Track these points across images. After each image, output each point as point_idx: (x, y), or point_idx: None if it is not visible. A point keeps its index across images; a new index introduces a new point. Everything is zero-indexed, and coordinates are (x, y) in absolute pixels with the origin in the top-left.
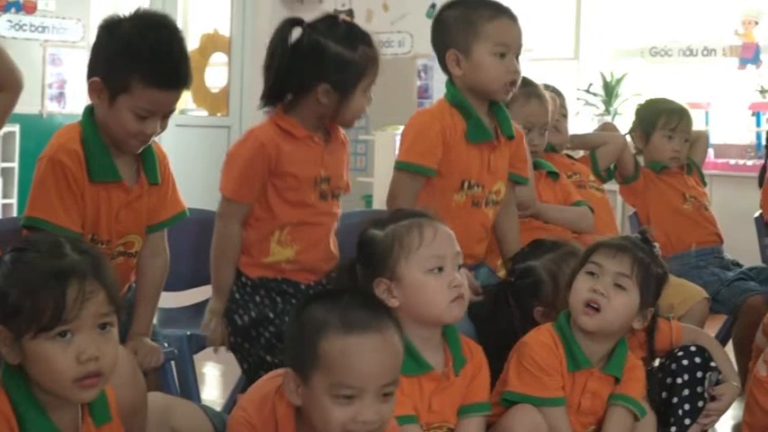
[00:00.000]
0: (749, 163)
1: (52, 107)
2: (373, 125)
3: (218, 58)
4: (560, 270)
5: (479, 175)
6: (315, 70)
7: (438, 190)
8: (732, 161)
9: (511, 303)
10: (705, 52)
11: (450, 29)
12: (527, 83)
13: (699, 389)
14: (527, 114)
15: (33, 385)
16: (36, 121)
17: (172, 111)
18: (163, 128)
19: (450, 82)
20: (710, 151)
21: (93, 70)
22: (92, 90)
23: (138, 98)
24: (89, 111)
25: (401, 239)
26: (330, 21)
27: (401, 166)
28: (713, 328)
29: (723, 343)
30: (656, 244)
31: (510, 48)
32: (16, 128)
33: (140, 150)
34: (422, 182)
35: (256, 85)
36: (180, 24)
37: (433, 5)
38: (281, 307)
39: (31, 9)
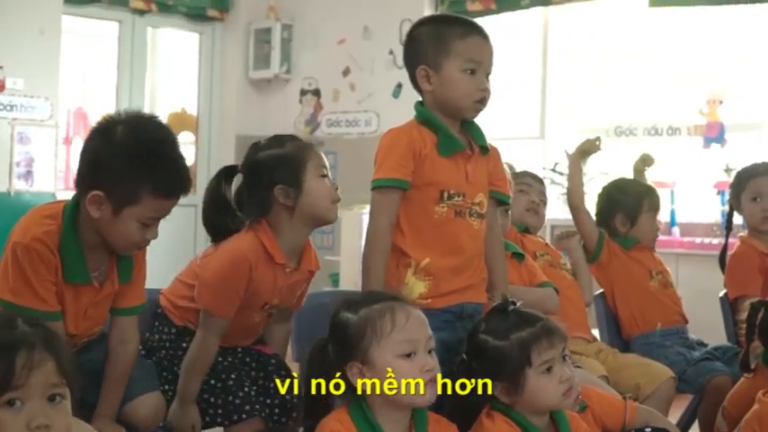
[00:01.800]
0: (715, 241)
1: (20, 185)
2: (340, 204)
3: (186, 137)
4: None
5: (458, 184)
6: (263, 180)
7: (418, 204)
8: (698, 240)
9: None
10: (670, 131)
11: (421, 45)
12: None
13: None
14: None
15: None
16: (3, 199)
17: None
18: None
19: (419, 102)
20: (676, 230)
21: (92, 182)
22: (92, 203)
23: (145, 208)
24: (72, 208)
25: (373, 324)
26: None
27: (375, 185)
28: (679, 407)
29: (689, 423)
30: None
31: (480, 65)
32: None
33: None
34: (398, 196)
35: (223, 163)
36: (147, 103)
37: (400, 85)
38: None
39: None
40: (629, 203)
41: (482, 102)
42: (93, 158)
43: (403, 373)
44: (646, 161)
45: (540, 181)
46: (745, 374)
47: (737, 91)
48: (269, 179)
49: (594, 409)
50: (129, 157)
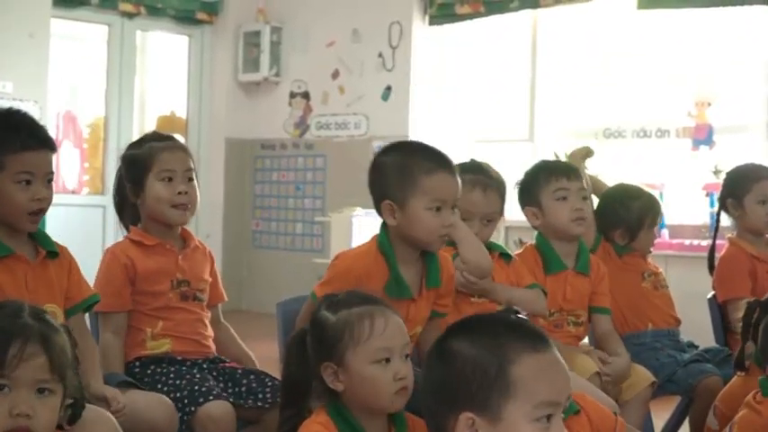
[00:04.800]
0: (703, 243)
1: None
2: (330, 207)
3: None
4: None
5: None
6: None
7: None
8: (687, 242)
9: None
10: (659, 133)
11: (387, 178)
12: (478, 170)
13: None
14: (467, 203)
15: None
16: None
17: (51, 173)
18: (49, 194)
19: (384, 227)
20: (665, 232)
21: None
22: None
23: (12, 166)
24: None
25: (351, 329)
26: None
27: (312, 296)
28: (668, 409)
29: (678, 424)
30: None
31: (446, 203)
32: None
33: (35, 230)
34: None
35: (214, 166)
36: (137, 106)
37: (389, 87)
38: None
39: None
40: (631, 220)
41: (447, 235)
42: None
43: (376, 380)
44: (587, 154)
45: (574, 172)
46: (739, 373)
47: (726, 93)
48: (125, 178)
49: (591, 415)
50: None
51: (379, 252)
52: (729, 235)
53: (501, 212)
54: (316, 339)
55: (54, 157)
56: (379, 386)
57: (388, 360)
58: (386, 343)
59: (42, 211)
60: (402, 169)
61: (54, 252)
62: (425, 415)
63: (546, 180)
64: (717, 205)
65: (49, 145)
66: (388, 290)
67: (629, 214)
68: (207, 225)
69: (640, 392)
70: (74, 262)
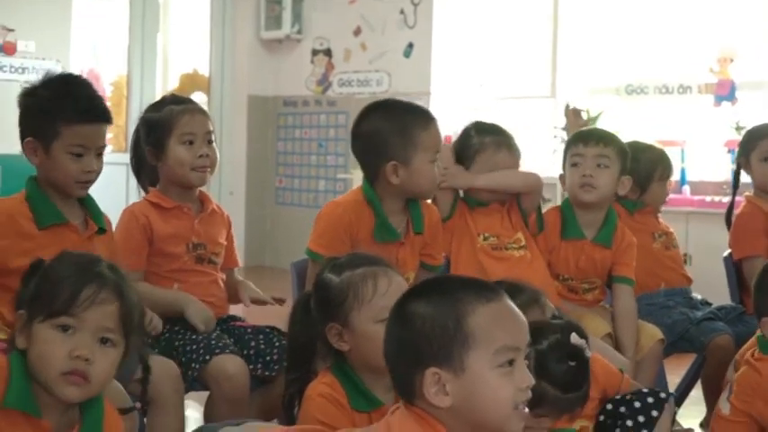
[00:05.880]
0: (725, 200)
1: None
2: (352, 164)
3: (198, 98)
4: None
5: None
6: (141, 142)
7: None
8: (708, 198)
9: None
10: (681, 90)
11: (387, 141)
12: (499, 131)
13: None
14: (496, 163)
15: (31, 377)
16: (17, 161)
17: (103, 146)
18: (99, 166)
19: (367, 180)
20: (686, 188)
21: (23, 132)
22: (28, 151)
23: (68, 137)
24: (32, 179)
25: (355, 289)
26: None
27: (309, 254)
28: (683, 367)
29: (693, 382)
30: None
31: (440, 151)
32: None
33: (84, 195)
34: None
35: (237, 123)
36: (159, 64)
37: (411, 45)
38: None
39: (11, 50)
40: (641, 172)
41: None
42: (21, 115)
43: (380, 339)
44: (577, 116)
45: (595, 138)
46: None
47: (748, 49)
48: (144, 141)
49: (598, 375)
50: (44, 100)
51: (365, 202)
52: (747, 193)
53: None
54: (320, 301)
55: (108, 129)
56: (382, 345)
57: None
58: (390, 302)
59: (91, 182)
60: (400, 129)
61: (103, 229)
62: (393, 377)
63: (569, 145)
64: (735, 163)
65: (105, 118)
66: (377, 235)
67: (639, 166)
68: (230, 182)
69: (650, 350)
70: (113, 235)
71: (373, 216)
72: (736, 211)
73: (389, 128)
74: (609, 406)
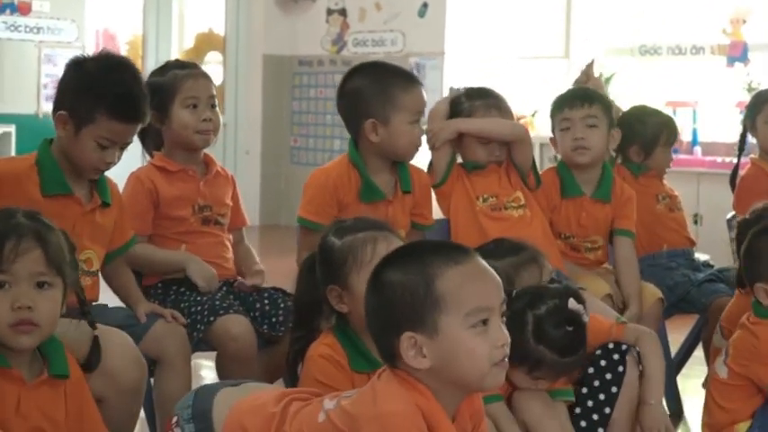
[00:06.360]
0: (736, 160)
1: (48, 107)
2: None
3: (213, 57)
4: (517, 276)
5: None
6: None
7: None
8: (719, 159)
9: None
10: (694, 50)
11: (367, 99)
12: (489, 94)
13: (614, 389)
14: None
15: None
16: (32, 121)
17: (129, 142)
18: (119, 158)
19: (353, 142)
20: (698, 149)
21: (59, 103)
22: (58, 122)
23: (101, 129)
24: (47, 143)
25: (355, 252)
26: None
27: (299, 222)
28: (686, 327)
29: (695, 343)
30: None
31: (421, 114)
32: (12, 128)
33: (96, 178)
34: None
35: (252, 83)
36: (175, 23)
37: (425, 5)
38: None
39: (25, 10)
40: (647, 136)
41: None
42: (63, 83)
43: None
44: (588, 75)
45: (580, 100)
46: (740, 290)
47: (761, 10)
48: (149, 105)
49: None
50: (91, 81)
51: (350, 164)
52: (752, 155)
53: None
54: (322, 263)
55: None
56: None
57: None
58: None
59: (106, 171)
60: (382, 89)
61: (107, 203)
62: (376, 342)
63: (555, 111)
64: (741, 125)
65: (142, 119)
66: (362, 195)
67: (645, 129)
68: (246, 141)
69: (649, 309)
70: (122, 207)
71: (359, 177)
72: (741, 173)
73: (371, 87)
74: None
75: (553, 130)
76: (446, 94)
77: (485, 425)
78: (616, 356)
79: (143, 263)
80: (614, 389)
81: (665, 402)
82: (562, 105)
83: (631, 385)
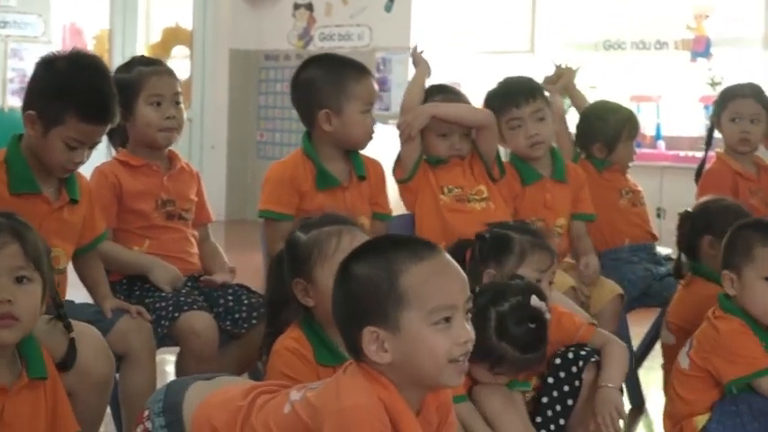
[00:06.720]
0: (699, 155)
1: (14, 101)
2: None
3: (180, 51)
4: (529, 253)
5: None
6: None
7: None
8: (683, 153)
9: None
10: (657, 45)
11: (320, 90)
12: (448, 89)
13: (566, 387)
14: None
15: None
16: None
17: (98, 142)
18: (87, 157)
19: (307, 135)
20: (661, 143)
21: (29, 103)
22: (27, 121)
23: (69, 130)
24: (16, 139)
25: (320, 246)
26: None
27: (262, 214)
28: (648, 320)
29: (656, 337)
30: None
31: (373, 105)
32: None
33: (65, 177)
34: (287, 226)
35: (218, 77)
36: (141, 18)
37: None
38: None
39: None
40: (609, 133)
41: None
42: (33, 82)
43: None
44: (560, 75)
45: (525, 96)
46: (681, 283)
47: (724, 5)
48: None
49: (552, 325)
50: (61, 82)
51: (304, 155)
52: (718, 149)
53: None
54: (289, 258)
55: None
56: None
57: None
58: None
59: (75, 170)
60: (334, 80)
61: (75, 200)
62: (341, 336)
63: (500, 110)
64: (710, 120)
65: (112, 120)
66: (318, 183)
67: (607, 127)
68: (212, 136)
69: (608, 305)
70: (92, 201)
71: (313, 167)
72: (707, 167)
73: (324, 77)
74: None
75: (500, 130)
76: None
77: (452, 417)
78: (574, 369)
79: (108, 261)
80: (570, 401)
81: (626, 397)
82: (507, 105)
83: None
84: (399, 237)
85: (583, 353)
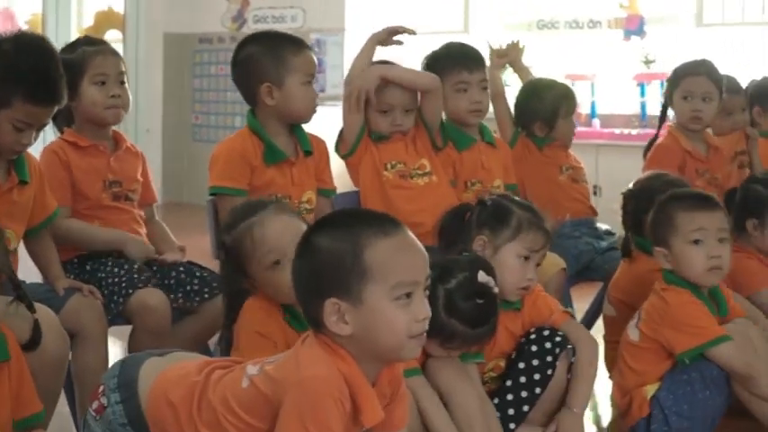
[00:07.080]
0: (634, 132)
1: None
2: None
3: (113, 35)
4: (525, 230)
5: (284, 188)
6: None
7: None
8: (617, 131)
9: (467, 221)
10: (591, 24)
11: (261, 65)
12: (391, 65)
13: (537, 390)
14: (388, 97)
15: None
16: None
17: (46, 124)
18: (35, 138)
19: (252, 112)
20: (596, 121)
21: None
22: None
23: (16, 112)
24: None
25: (243, 246)
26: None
27: (215, 191)
28: (590, 294)
29: (599, 310)
30: None
31: (313, 77)
32: None
33: (13, 158)
34: (241, 201)
35: (152, 61)
36: (74, 2)
37: None
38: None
39: None
40: (547, 111)
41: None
42: None
43: (274, 285)
44: (501, 55)
45: (476, 63)
46: (624, 260)
47: None
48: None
49: (527, 308)
50: (7, 65)
51: (250, 132)
52: (670, 123)
53: (416, 101)
54: (227, 263)
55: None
56: (279, 289)
57: (278, 263)
58: (277, 243)
59: (23, 151)
60: (273, 54)
61: (24, 181)
62: (301, 307)
63: (448, 72)
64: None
65: (60, 101)
66: (266, 158)
67: (544, 105)
68: (146, 120)
69: (551, 278)
70: (42, 181)
71: (260, 142)
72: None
73: (262, 52)
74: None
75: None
76: (347, 70)
77: (404, 388)
78: (549, 358)
79: (80, 239)
80: (538, 390)
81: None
82: (457, 67)
83: (560, 382)
84: (364, 211)
85: (558, 339)
